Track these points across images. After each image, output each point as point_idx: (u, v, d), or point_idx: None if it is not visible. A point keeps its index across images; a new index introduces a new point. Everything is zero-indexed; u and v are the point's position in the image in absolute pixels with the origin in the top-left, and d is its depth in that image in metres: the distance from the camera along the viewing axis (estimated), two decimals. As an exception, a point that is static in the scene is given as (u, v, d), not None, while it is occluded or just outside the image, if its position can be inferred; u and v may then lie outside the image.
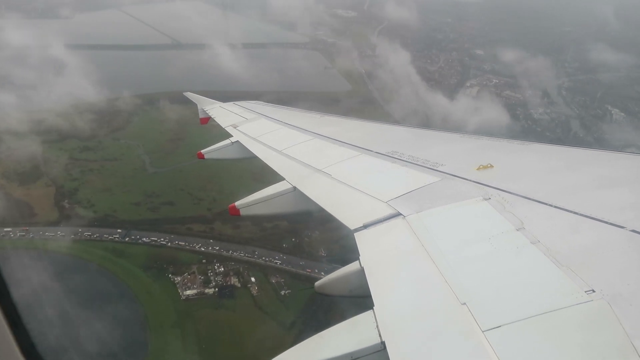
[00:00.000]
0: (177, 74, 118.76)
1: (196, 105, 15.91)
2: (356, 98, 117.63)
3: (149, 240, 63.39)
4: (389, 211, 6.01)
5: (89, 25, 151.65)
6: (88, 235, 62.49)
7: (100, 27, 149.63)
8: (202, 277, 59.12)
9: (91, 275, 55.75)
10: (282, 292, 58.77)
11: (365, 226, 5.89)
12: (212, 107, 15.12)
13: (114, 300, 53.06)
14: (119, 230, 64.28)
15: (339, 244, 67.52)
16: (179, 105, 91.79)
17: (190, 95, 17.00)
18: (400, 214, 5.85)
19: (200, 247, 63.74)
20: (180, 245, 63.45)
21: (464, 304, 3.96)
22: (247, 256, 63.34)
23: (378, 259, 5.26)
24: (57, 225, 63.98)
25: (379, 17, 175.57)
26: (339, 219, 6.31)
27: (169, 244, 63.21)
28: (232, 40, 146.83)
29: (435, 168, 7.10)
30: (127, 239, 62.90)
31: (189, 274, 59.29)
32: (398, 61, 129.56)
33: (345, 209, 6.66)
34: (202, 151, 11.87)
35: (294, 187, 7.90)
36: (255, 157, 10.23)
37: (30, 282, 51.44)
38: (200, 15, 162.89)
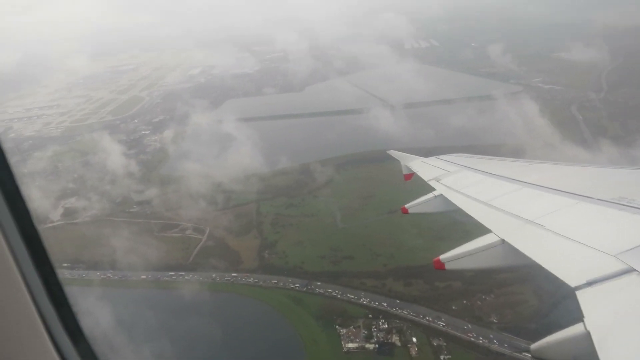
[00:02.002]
0: (385, 132, 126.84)
1: (399, 163, 16.33)
2: (571, 145, 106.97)
3: (323, 291, 69.66)
4: (619, 266, 5.34)
5: (314, 95, 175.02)
6: (275, 282, 72.32)
7: (323, 96, 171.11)
8: (365, 332, 62.03)
9: (268, 318, 64.65)
10: (442, 357, 57.18)
11: (589, 283, 5.29)
12: (415, 163, 15.35)
13: (282, 343, 60.18)
14: (311, 283, 72.60)
15: (514, 310, 62.98)
16: (379, 163, 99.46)
17: (393, 153, 17.40)
18: (635, 270, 5.16)
19: (368, 302, 66.97)
20: (350, 298, 67.83)
21: None
22: (412, 315, 63.81)
23: (608, 322, 4.63)
24: (255, 273, 75.79)
25: (610, 55, 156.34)
26: (557, 275, 5.78)
27: (340, 296, 68.25)
28: (442, 97, 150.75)
29: None
30: (305, 289, 70.46)
31: (354, 327, 62.96)
32: (626, 105, 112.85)
33: (563, 264, 6.06)
34: (405, 206, 12.10)
35: (502, 240, 7.57)
36: (458, 210, 10.10)
37: (217, 319, 62.74)
38: (413, 76, 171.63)
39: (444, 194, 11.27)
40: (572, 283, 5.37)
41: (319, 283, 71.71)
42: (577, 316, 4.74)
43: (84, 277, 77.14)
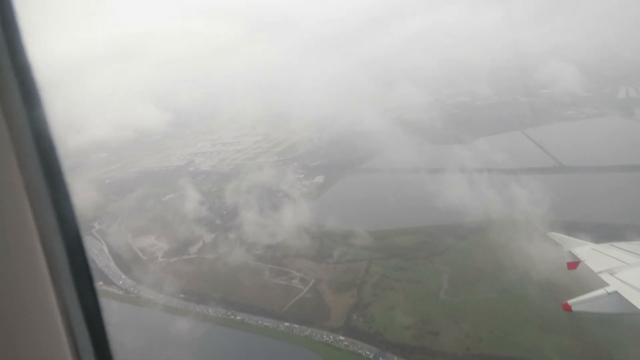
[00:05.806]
0: (544, 199, 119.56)
1: (555, 243, 15.55)
2: None
3: (391, 365, 72.34)
4: None
5: (480, 149, 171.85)
6: (345, 345, 77.31)
7: (488, 150, 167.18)
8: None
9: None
10: None
11: None
12: (582, 249, 14.06)
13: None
14: (383, 354, 75.53)
15: None
16: (519, 233, 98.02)
17: (555, 235, 16.25)
18: None
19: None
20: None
21: None
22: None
23: None
24: (335, 332, 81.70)
25: None
26: None
27: (404, 374, 70.15)
28: (632, 163, 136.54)
29: None
30: (372, 356, 73.97)
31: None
32: None
33: None
34: (568, 302, 10.92)
35: None
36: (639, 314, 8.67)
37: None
38: (607, 133, 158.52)
39: (619, 291, 10.14)
40: None
41: (390, 355, 74.45)
42: None
43: (189, 308, 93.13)
